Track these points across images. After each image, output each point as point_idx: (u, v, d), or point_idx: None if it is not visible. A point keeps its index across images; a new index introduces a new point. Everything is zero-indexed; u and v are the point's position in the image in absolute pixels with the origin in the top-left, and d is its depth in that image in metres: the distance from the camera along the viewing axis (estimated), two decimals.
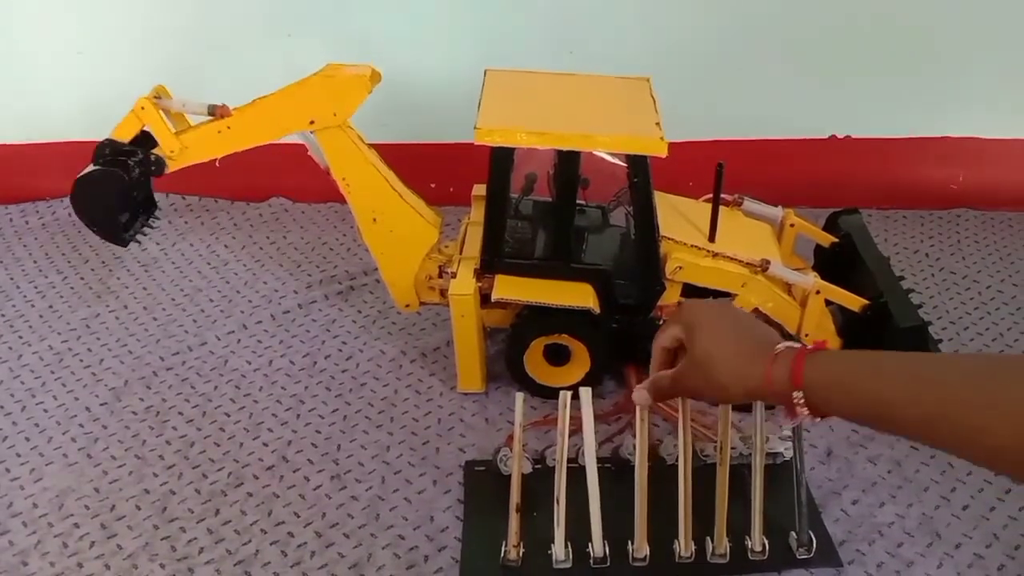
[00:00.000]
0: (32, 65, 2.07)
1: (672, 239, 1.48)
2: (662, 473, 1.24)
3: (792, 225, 1.65)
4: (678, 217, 1.54)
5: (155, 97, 1.51)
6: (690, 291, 1.51)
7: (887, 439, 1.47)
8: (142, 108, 1.48)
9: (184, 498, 1.36)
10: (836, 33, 2.03)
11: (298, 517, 1.34)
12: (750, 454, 1.23)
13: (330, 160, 1.50)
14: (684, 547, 1.22)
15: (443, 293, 1.55)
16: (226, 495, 1.37)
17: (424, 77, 2.06)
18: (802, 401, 0.75)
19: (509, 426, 1.46)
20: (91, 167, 1.48)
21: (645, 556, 1.22)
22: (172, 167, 1.51)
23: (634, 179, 1.40)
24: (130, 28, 2.03)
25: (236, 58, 2.04)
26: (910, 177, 2.18)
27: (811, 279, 1.50)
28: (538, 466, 1.36)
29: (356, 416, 1.53)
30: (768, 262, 1.47)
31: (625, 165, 1.42)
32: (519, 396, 1.24)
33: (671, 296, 1.51)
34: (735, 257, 1.49)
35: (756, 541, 1.23)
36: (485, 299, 1.47)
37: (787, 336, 1.03)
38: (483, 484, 1.37)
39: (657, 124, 1.37)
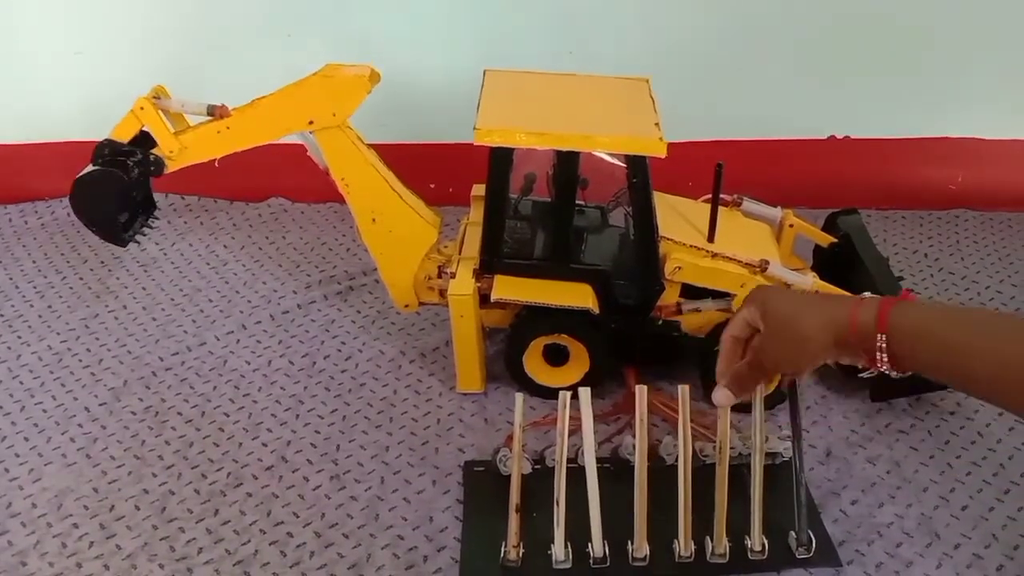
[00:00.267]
0: (32, 65, 2.07)
1: (671, 239, 1.48)
2: (662, 473, 1.24)
3: (791, 225, 1.65)
4: (677, 217, 1.54)
5: (154, 97, 1.50)
6: (689, 291, 1.51)
7: (886, 439, 1.48)
8: (141, 108, 1.48)
9: (183, 498, 1.36)
10: (835, 33, 2.03)
11: (297, 517, 1.34)
12: (749, 454, 1.23)
13: (329, 160, 1.50)
14: (684, 547, 1.22)
15: (442, 293, 1.55)
16: (225, 495, 1.37)
17: (424, 77, 2.06)
18: (884, 347, 0.75)
19: (508, 426, 1.46)
20: (90, 167, 1.48)
21: (645, 556, 1.22)
22: (171, 167, 1.51)
23: (633, 179, 1.40)
24: (130, 28, 2.03)
25: (236, 58, 2.04)
26: (909, 177, 2.18)
27: (810, 279, 1.50)
28: (537, 466, 1.36)
29: (355, 416, 1.53)
30: (767, 262, 1.47)
31: (624, 165, 1.42)
32: (518, 396, 1.24)
33: (670, 297, 1.51)
34: (734, 257, 1.49)
35: (756, 541, 1.23)
36: (484, 299, 1.47)
37: None
38: (482, 484, 1.37)
39: (656, 124, 1.38)
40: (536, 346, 1.51)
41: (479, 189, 1.56)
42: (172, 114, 1.52)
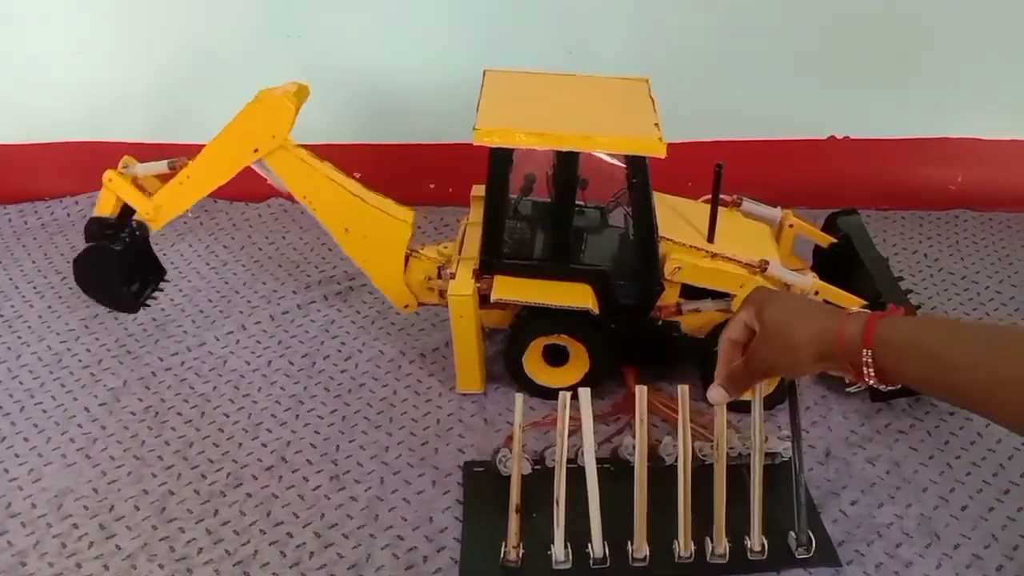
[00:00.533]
0: (32, 65, 2.07)
1: (671, 240, 1.48)
2: (661, 473, 1.24)
3: (791, 226, 1.65)
4: (677, 218, 1.55)
5: (123, 167, 1.60)
6: (689, 292, 1.51)
7: (886, 440, 1.48)
8: (110, 180, 1.60)
9: (183, 498, 1.36)
10: (836, 33, 2.03)
11: (297, 518, 1.34)
12: (749, 454, 1.23)
13: (287, 182, 1.54)
14: (684, 547, 1.22)
15: (442, 294, 1.55)
16: (225, 495, 1.37)
17: (424, 77, 2.06)
18: (870, 362, 0.75)
19: (508, 427, 1.46)
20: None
21: (645, 556, 1.22)
22: (155, 227, 1.62)
23: (633, 180, 1.40)
24: (130, 28, 2.03)
25: (235, 58, 2.04)
26: (909, 178, 2.18)
27: (809, 280, 1.50)
28: (537, 467, 1.36)
29: (355, 417, 1.53)
30: (767, 263, 1.47)
31: (624, 166, 1.42)
32: (518, 397, 1.24)
33: (670, 297, 1.51)
34: (734, 258, 1.49)
35: (755, 541, 1.23)
36: (484, 300, 1.47)
37: None
38: (482, 485, 1.37)
39: (656, 125, 1.38)
40: (536, 346, 1.51)
41: (479, 189, 1.56)
42: (145, 177, 1.63)
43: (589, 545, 1.22)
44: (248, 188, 2.16)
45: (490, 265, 1.47)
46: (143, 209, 1.58)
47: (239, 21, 2.02)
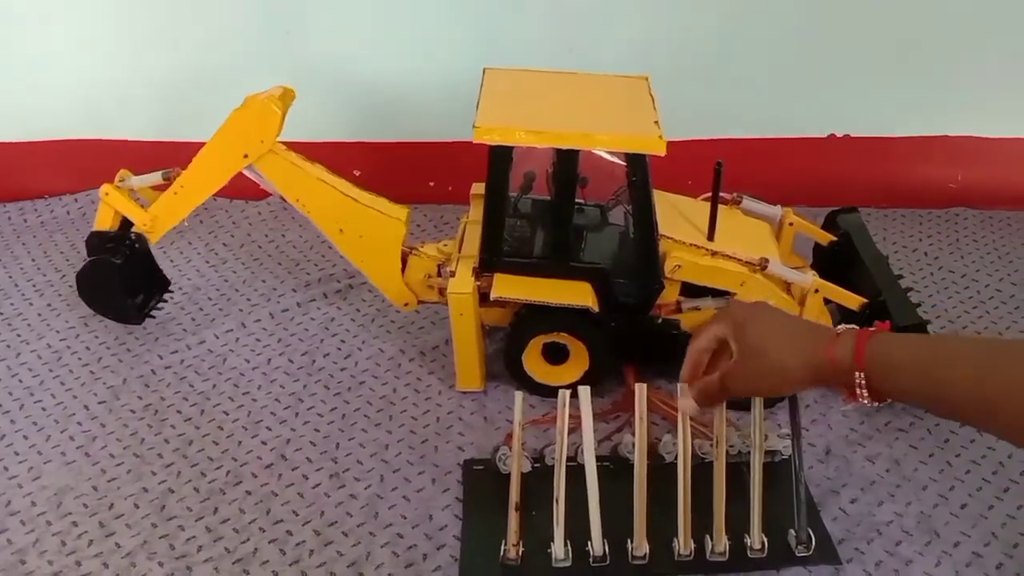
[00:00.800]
0: (32, 65, 2.07)
1: (671, 238, 1.48)
2: (661, 471, 1.24)
3: (791, 224, 1.65)
4: (677, 216, 1.54)
5: (119, 180, 1.61)
6: (689, 290, 1.51)
7: (885, 438, 1.48)
8: (106, 194, 1.60)
9: (183, 496, 1.36)
10: (835, 32, 2.03)
11: (297, 516, 1.33)
12: (749, 452, 1.23)
13: (278, 186, 1.54)
14: (683, 545, 1.22)
15: (442, 292, 1.55)
16: (225, 493, 1.37)
17: (423, 76, 2.06)
18: (863, 383, 0.74)
19: (508, 425, 1.46)
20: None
21: (645, 554, 1.22)
22: (154, 238, 1.62)
23: (633, 178, 1.40)
24: (130, 28, 2.03)
25: (235, 57, 2.04)
26: (909, 176, 2.18)
27: (809, 278, 1.50)
28: (537, 465, 1.36)
29: (355, 415, 1.53)
30: (767, 261, 1.47)
31: (624, 164, 1.42)
32: (518, 395, 1.24)
33: (670, 295, 1.51)
34: (734, 256, 1.49)
35: (755, 539, 1.23)
36: (484, 298, 1.47)
37: None
38: (482, 483, 1.37)
39: (656, 123, 1.37)
40: (536, 344, 1.51)
41: (479, 188, 1.56)
42: (142, 189, 1.63)
43: (589, 543, 1.22)
44: (247, 187, 2.18)
45: (490, 263, 1.47)
46: (140, 221, 1.59)
47: (238, 19, 2.02)
